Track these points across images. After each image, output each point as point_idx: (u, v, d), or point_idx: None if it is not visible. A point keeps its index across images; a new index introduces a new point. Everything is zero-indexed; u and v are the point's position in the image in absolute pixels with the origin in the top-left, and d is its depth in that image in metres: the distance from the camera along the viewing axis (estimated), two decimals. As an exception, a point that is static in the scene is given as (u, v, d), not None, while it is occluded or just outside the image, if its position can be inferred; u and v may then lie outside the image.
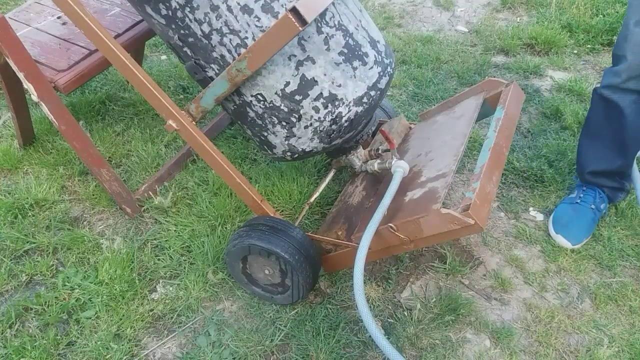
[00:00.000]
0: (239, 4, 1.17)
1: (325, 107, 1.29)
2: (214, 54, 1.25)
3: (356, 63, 1.29)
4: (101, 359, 1.36)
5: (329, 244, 1.40)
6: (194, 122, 1.37)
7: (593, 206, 1.67)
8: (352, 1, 1.32)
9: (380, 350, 0.99)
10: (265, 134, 1.37)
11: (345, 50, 1.26)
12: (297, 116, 1.30)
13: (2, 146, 1.96)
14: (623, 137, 1.58)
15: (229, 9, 1.18)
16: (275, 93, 1.27)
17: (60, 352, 1.38)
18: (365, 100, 1.32)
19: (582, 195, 1.70)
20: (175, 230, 1.68)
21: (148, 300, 1.50)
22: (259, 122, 1.35)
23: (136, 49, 2.09)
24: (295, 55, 1.22)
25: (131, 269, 1.57)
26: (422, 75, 2.44)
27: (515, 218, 1.75)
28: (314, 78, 1.25)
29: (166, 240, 1.65)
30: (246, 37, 1.20)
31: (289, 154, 1.40)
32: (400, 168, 1.34)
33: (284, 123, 1.32)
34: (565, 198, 1.76)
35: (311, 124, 1.31)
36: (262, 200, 1.43)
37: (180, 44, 1.28)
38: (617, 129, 1.58)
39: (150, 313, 1.47)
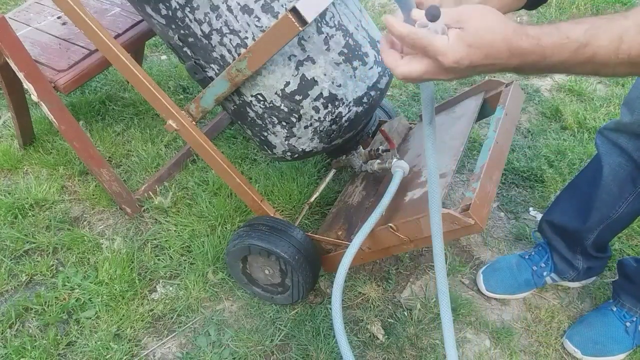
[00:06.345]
0: (239, 4, 1.17)
1: (325, 107, 1.29)
2: (214, 54, 1.25)
3: (356, 63, 1.29)
4: (101, 359, 1.36)
5: (329, 244, 1.40)
6: (194, 122, 1.37)
7: (535, 268, 1.49)
8: (352, 1, 1.32)
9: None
10: (265, 134, 1.37)
11: (345, 50, 1.26)
12: (297, 116, 1.30)
13: (2, 146, 1.96)
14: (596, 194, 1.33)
15: (229, 9, 1.18)
16: (275, 93, 1.27)
17: (60, 352, 1.38)
18: (365, 100, 1.32)
19: (532, 254, 1.52)
20: (175, 230, 1.68)
21: (148, 300, 1.51)
22: (259, 122, 1.35)
23: (136, 49, 2.09)
24: (295, 55, 1.22)
25: (131, 269, 1.57)
26: (422, 75, 2.43)
27: (515, 218, 1.75)
28: (314, 78, 1.25)
29: (166, 240, 1.65)
30: (246, 37, 1.20)
31: (289, 154, 1.40)
32: (400, 168, 1.34)
33: (284, 123, 1.32)
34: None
35: (311, 124, 1.31)
36: (262, 200, 1.43)
37: (180, 44, 1.28)
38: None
39: (150, 313, 1.47)
